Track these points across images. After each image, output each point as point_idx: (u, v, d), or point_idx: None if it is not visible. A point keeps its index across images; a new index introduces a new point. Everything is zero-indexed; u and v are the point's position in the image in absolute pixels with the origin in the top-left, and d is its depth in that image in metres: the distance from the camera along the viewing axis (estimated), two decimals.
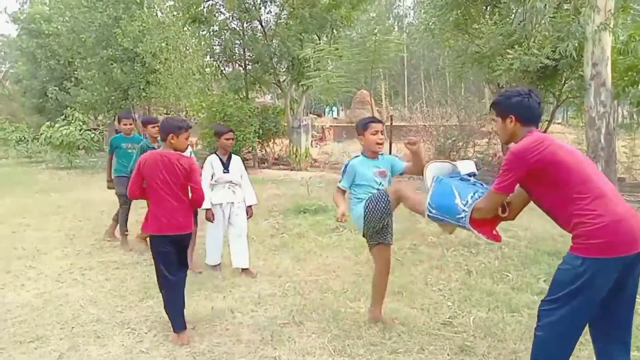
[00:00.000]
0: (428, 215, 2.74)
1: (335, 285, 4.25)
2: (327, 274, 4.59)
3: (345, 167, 3.37)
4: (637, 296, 2.28)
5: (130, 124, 5.98)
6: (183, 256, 3.49)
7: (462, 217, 2.52)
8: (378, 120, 3.53)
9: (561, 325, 2.19)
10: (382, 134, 3.36)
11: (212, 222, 4.60)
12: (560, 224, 2.29)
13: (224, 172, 4.61)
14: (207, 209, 4.51)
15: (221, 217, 4.65)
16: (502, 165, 2.34)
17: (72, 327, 3.53)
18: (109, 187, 5.95)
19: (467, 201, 2.52)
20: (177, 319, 3.31)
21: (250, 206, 4.81)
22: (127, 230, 5.78)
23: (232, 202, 4.66)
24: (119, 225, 5.87)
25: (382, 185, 3.32)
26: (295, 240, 5.82)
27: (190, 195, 3.46)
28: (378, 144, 3.34)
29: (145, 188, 3.41)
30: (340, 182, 3.45)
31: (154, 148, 5.08)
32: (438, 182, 2.72)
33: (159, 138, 5.18)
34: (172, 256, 3.35)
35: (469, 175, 2.76)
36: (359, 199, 3.32)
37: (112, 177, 5.87)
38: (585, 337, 2.85)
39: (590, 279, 2.10)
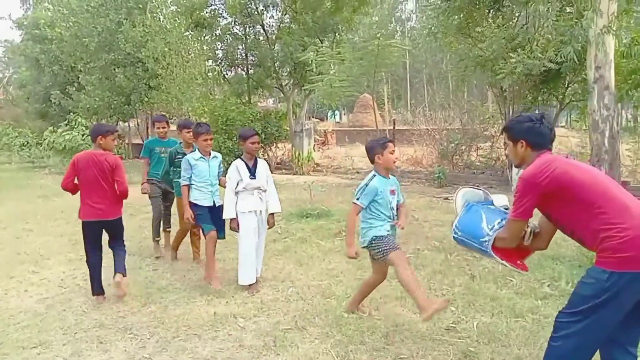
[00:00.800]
0: (454, 237, 2.76)
1: (338, 290, 4.23)
2: (330, 279, 4.57)
3: (366, 186, 3.44)
4: None
5: (164, 127, 5.69)
6: (113, 238, 4.28)
7: (486, 241, 2.52)
8: (392, 140, 3.75)
9: (580, 338, 2.15)
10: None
11: (237, 231, 4.30)
12: (587, 244, 2.25)
13: (251, 178, 4.31)
14: (231, 219, 4.28)
15: (255, 225, 4.30)
16: (515, 192, 2.35)
17: (75, 333, 3.53)
18: (143, 192, 5.61)
19: (494, 226, 2.52)
20: (95, 284, 4.17)
21: (272, 214, 4.49)
22: (158, 236, 5.63)
23: (261, 210, 4.39)
24: (152, 229, 5.68)
25: (392, 203, 3.54)
26: (298, 245, 5.80)
27: (116, 187, 4.11)
28: (394, 162, 3.56)
29: (77, 183, 4.10)
30: (357, 199, 3.45)
31: (184, 154, 4.89)
32: (468, 208, 2.73)
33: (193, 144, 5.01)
34: (96, 238, 4.15)
35: (504, 208, 2.73)
36: (370, 223, 3.48)
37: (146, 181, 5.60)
38: None
39: (616, 294, 2.06)
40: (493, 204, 2.72)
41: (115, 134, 4.30)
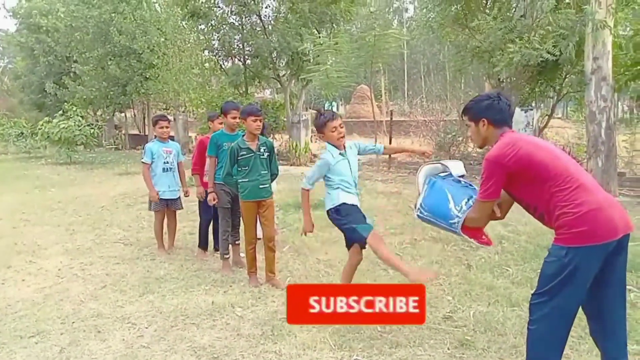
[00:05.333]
0: (418, 216, 2.80)
1: (336, 280, 4.23)
2: (328, 269, 4.59)
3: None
4: (632, 288, 2.31)
5: (234, 117, 4.57)
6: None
7: (455, 223, 2.58)
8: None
9: (553, 317, 2.23)
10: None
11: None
12: (547, 222, 2.32)
13: None
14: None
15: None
16: (482, 173, 2.39)
17: (73, 322, 3.53)
18: (211, 203, 4.61)
19: (462, 207, 2.57)
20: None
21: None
22: (228, 253, 4.65)
23: None
24: (218, 244, 4.76)
25: None
26: (295, 235, 5.80)
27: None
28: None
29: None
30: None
31: (250, 150, 4.07)
32: (431, 185, 2.76)
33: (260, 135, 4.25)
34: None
35: (460, 176, 2.80)
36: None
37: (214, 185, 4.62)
38: (585, 330, 2.87)
39: (575, 268, 2.14)
40: (452, 175, 2.77)
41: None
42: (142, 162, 5.18)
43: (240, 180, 4.16)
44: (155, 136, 5.31)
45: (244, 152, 4.09)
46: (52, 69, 21.83)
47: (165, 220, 5.33)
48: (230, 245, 4.71)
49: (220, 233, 4.65)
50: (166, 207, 5.25)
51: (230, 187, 4.49)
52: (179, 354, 3.04)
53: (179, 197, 5.33)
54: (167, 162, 5.22)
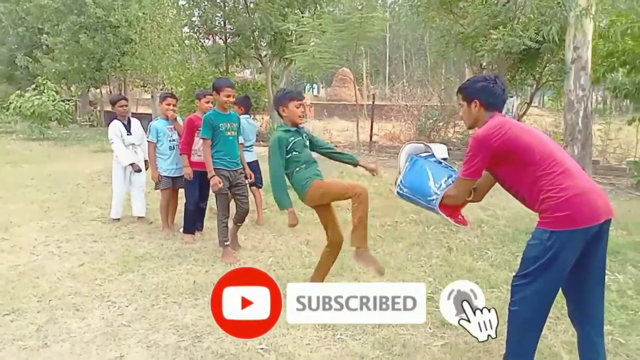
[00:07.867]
0: (398, 192, 2.80)
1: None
2: (310, 249, 4.60)
3: None
4: (607, 271, 2.37)
5: (228, 96, 4.24)
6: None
7: (433, 200, 2.59)
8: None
9: (534, 299, 2.28)
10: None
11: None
12: (529, 204, 2.36)
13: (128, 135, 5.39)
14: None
15: (123, 175, 5.50)
16: (467, 152, 2.40)
17: (50, 300, 3.45)
18: (215, 189, 4.23)
19: (441, 185, 2.59)
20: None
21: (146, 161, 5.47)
22: (227, 240, 4.38)
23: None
24: (219, 232, 4.35)
25: None
26: (277, 216, 5.78)
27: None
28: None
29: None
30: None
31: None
32: (413, 163, 2.76)
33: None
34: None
35: (443, 159, 2.82)
36: None
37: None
38: (562, 311, 2.96)
39: (558, 252, 2.19)
40: (434, 156, 2.79)
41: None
42: (148, 140, 5.14)
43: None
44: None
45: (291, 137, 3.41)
46: (23, 41, 20.95)
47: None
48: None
49: (219, 221, 4.33)
50: (172, 186, 5.17)
51: (230, 172, 4.30)
52: (160, 333, 3.01)
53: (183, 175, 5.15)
54: (173, 140, 5.10)
